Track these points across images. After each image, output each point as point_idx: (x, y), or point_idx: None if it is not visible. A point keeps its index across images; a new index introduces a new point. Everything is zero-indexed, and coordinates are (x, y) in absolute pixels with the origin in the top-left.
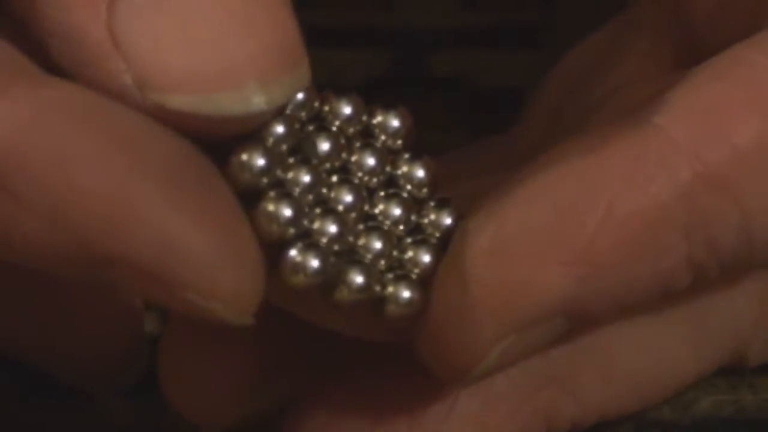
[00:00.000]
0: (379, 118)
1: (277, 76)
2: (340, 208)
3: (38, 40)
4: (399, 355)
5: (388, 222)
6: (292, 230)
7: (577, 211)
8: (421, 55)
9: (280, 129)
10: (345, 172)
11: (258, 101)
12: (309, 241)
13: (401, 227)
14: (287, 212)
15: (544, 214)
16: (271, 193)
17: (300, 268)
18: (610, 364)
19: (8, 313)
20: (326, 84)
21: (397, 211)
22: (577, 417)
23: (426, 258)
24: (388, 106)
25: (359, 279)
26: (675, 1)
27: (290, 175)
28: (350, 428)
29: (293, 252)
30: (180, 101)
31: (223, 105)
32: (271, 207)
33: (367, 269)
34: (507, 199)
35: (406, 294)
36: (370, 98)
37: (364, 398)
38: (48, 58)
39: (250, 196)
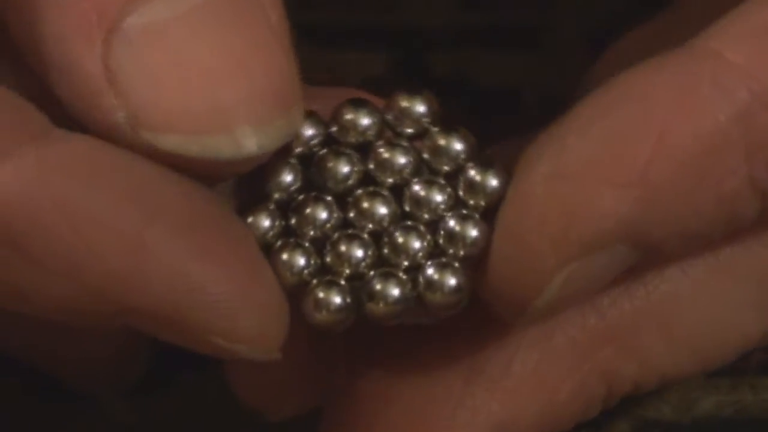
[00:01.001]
0: (404, 104)
1: (270, 120)
2: (370, 225)
3: (38, 72)
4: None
5: (427, 212)
6: (306, 273)
7: (633, 135)
8: (421, 55)
9: (288, 178)
10: (369, 183)
11: (249, 145)
12: (328, 278)
13: (442, 207)
14: (300, 261)
15: (601, 139)
16: (279, 244)
17: (323, 304)
18: (672, 324)
19: (10, 314)
20: (326, 84)
21: (438, 197)
22: (639, 378)
23: (473, 232)
24: (412, 91)
25: (395, 291)
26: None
27: (307, 211)
28: (406, 383)
29: (313, 292)
30: (171, 141)
31: (214, 147)
32: (284, 257)
33: (401, 282)
34: (564, 127)
35: (451, 282)
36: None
37: (420, 353)
38: (50, 91)
39: (267, 247)
